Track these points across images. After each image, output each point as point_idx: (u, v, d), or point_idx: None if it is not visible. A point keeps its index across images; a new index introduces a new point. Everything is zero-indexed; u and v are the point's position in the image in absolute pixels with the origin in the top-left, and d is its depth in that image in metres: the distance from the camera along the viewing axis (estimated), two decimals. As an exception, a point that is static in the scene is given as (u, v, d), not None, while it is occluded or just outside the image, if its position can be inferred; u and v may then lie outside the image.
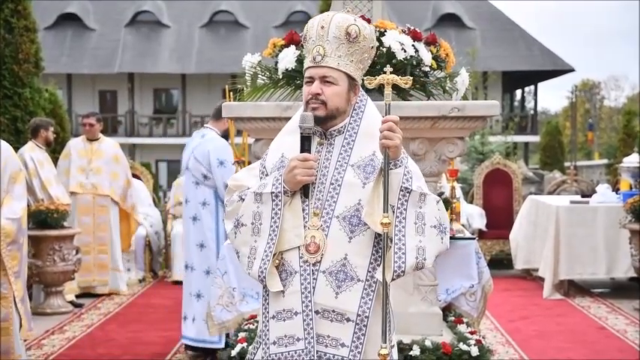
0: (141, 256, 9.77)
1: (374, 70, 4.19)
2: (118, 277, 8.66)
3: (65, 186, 8.21)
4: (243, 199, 2.66)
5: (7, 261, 4.42)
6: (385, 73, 2.62)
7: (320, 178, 2.62)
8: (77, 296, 8.23)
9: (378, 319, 2.57)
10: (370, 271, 2.58)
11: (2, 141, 4.74)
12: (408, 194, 2.53)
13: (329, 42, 2.61)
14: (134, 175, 10.55)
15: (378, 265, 2.58)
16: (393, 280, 2.53)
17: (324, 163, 2.64)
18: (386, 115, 2.55)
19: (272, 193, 2.58)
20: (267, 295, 2.63)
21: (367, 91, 2.83)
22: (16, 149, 6.92)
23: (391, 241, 2.53)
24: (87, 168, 8.57)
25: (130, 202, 8.82)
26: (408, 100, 4.34)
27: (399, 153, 2.54)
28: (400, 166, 2.54)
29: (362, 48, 2.66)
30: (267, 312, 2.63)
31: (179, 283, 9.41)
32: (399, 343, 4.08)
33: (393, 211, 2.52)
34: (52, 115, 9.30)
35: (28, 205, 5.19)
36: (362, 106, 2.71)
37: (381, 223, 2.48)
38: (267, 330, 2.62)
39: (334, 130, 2.67)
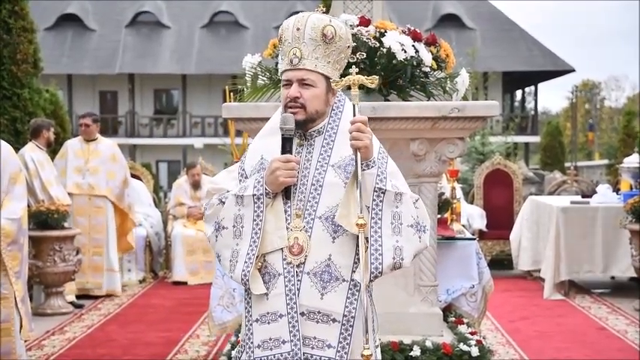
0: (141, 257, 9.76)
1: (374, 70, 4.21)
2: (113, 277, 8.63)
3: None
4: (224, 202, 2.63)
5: (7, 261, 4.43)
6: (352, 74, 2.61)
7: (301, 179, 2.61)
8: (77, 297, 8.23)
9: (363, 319, 2.56)
10: (354, 271, 2.58)
11: (2, 141, 4.74)
12: (382, 194, 2.54)
13: (305, 44, 2.61)
14: (135, 176, 10.54)
15: None
16: (371, 281, 2.54)
17: (304, 164, 2.63)
18: (354, 116, 2.54)
19: (254, 195, 2.57)
20: (250, 298, 2.61)
21: (368, 91, 2.84)
22: (16, 150, 6.91)
23: (367, 242, 2.53)
24: (84, 168, 8.54)
25: (126, 201, 8.77)
26: (409, 101, 4.35)
27: (369, 153, 2.54)
28: (373, 166, 2.55)
29: (338, 48, 2.66)
30: (251, 315, 2.61)
31: (179, 283, 9.44)
32: (400, 343, 4.08)
33: (369, 212, 2.52)
34: (53, 116, 9.29)
35: (28, 206, 5.20)
36: (340, 106, 2.71)
37: (356, 224, 2.48)
38: (251, 334, 2.59)
39: (314, 131, 2.66)
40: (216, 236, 2.64)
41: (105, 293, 8.49)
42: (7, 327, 4.44)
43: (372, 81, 2.60)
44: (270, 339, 2.56)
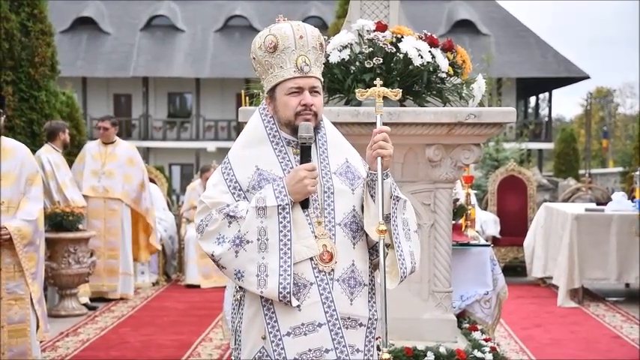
0: (154, 260, 9.79)
1: (390, 76, 4.21)
2: (128, 281, 8.64)
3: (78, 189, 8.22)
4: (231, 215, 2.53)
5: (24, 262, 4.46)
6: (376, 85, 2.67)
7: None
8: (91, 299, 8.26)
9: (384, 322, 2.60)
10: (370, 275, 2.64)
11: (20, 143, 4.78)
12: (397, 202, 2.60)
13: (310, 52, 2.62)
14: (149, 179, 10.56)
15: (373, 269, 2.66)
16: (398, 284, 2.59)
17: None
18: (378, 126, 2.59)
19: (278, 205, 2.50)
20: (274, 313, 2.53)
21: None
22: (33, 152, 6.95)
23: (387, 247, 2.58)
24: (100, 171, 8.55)
25: (144, 205, 8.77)
26: (425, 107, 4.34)
27: (390, 162, 2.59)
28: (389, 175, 2.60)
29: (322, 57, 2.72)
30: (277, 330, 2.52)
31: (192, 286, 9.46)
32: (414, 349, 4.08)
33: (387, 220, 2.56)
34: (69, 119, 9.33)
35: (44, 208, 5.23)
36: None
37: (379, 230, 2.52)
38: (281, 349, 2.51)
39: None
40: (237, 252, 2.52)
41: (119, 297, 8.50)
42: (23, 327, 4.47)
43: (396, 94, 2.67)
44: (310, 350, 2.51)
